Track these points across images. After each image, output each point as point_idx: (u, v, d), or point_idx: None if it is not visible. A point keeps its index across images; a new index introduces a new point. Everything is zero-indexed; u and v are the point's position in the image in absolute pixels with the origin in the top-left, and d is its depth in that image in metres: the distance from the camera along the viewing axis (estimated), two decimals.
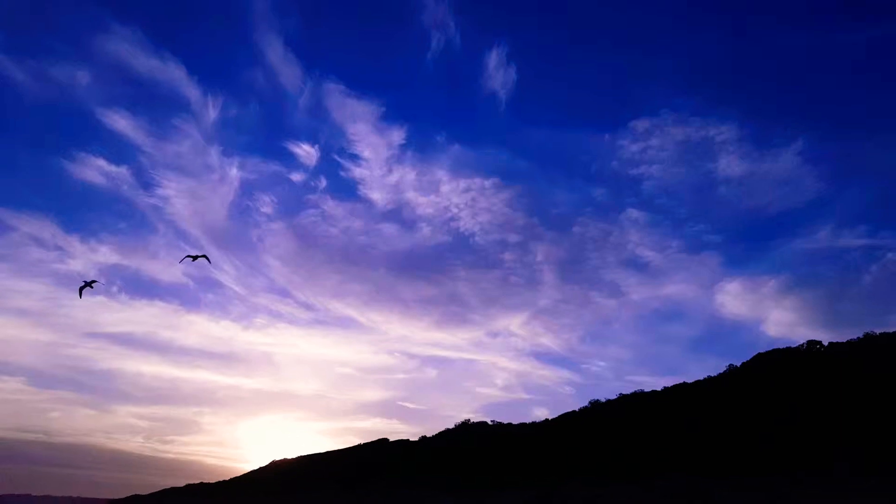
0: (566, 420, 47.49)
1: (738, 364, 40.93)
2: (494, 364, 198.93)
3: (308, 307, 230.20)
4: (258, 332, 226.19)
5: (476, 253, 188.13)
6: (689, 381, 42.51)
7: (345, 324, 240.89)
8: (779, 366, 36.98)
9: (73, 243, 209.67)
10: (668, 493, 26.81)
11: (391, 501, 42.69)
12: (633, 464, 32.61)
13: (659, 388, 43.81)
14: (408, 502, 40.72)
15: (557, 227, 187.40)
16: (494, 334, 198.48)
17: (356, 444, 77.35)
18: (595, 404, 46.63)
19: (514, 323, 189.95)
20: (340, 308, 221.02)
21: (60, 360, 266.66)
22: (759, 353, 40.77)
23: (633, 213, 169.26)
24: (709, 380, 41.15)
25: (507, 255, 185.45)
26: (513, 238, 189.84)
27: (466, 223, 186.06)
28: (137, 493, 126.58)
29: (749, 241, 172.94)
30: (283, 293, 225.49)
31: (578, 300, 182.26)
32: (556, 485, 33.36)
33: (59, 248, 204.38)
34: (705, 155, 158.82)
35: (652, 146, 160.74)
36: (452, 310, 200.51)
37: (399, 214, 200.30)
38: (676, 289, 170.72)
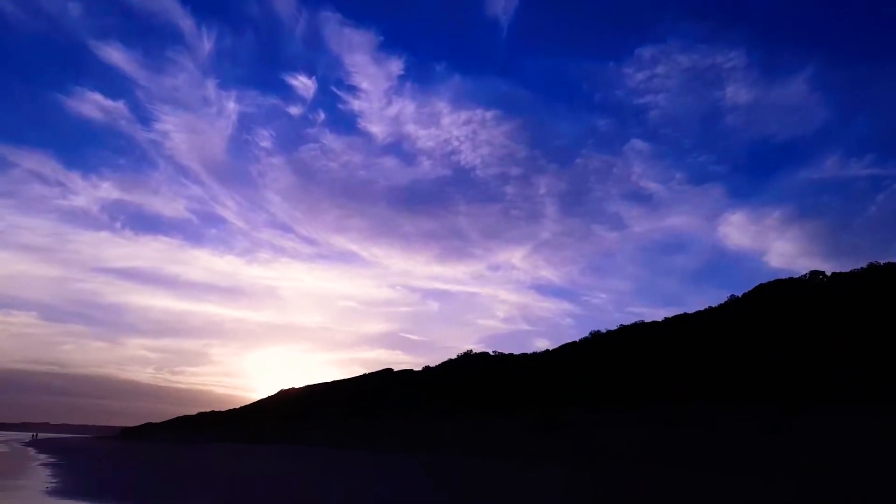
0: (567, 350, 47.99)
1: (739, 295, 40.86)
2: (495, 297, 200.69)
3: (310, 242, 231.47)
4: (262, 266, 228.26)
5: (477, 186, 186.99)
6: (690, 311, 42.62)
7: (347, 258, 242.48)
8: (780, 296, 36.84)
9: (75, 179, 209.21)
10: (667, 418, 27.22)
11: (395, 427, 43.77)
12: (632, 392, 33.01)
13: (660, 319, 44.01)
14: (411, 428, 41.73)
15: (559, 159, 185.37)
16: (495, 268, 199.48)
17: (361, 373, 78.97)
18: (595, 335, 46.95)
19: (516, 256, 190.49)
20: (342, 243, 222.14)
21: (70, 294, 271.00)
22: (761, 284, 40.59)
23: (638, 143, 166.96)
24: (709, 310, 41.18)
25: (509, 189, 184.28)
26: (514, 171, 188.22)
27: (467, 156, 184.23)
28: (151, 421, 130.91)
29: (754, 171, 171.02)
30: (285, 228, 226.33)
31: (580, 233, 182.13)
32: (556, 411, 33.94)
33: (60, 185, 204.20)
34: (712, 83, 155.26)
35: (658, 74, 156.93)
36: (453, 244, 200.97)
37: (399, 148, 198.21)
38: (679, 221, 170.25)
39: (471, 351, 61.57)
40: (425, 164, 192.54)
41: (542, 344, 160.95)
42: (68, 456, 42.68)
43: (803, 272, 39.70)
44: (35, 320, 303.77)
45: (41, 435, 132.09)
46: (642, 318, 46.02)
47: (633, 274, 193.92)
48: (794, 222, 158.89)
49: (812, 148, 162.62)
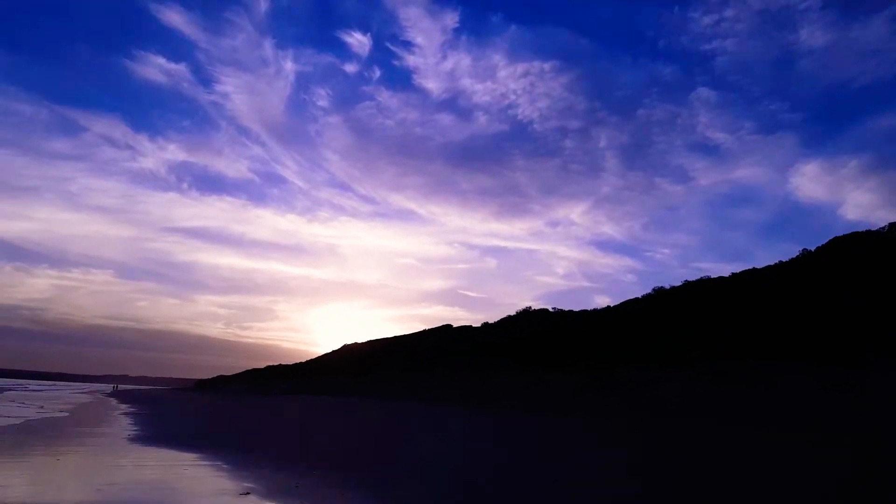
0: (628, 307, 47.27)
1: (813, 249, 39.13)
2: (554, 253, 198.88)
3: (368, 200, 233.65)
4: (322, 225, 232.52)
5: (535, 141, 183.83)
6: (759, 267, 41.14)
7: (404, 216, 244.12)
8: (857, 250, 35.09)
9: (143, 142, 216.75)
10: (730, 376, 26.58)
11: (454, 382, 44.37)
12: (695, 349, 32.31)
13: (726, 275, 42.70)
14: (470, 383, 42.21)
15: (621, 110, 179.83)
16: (554, 224, 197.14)
17: (421, 329, 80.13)
18: (659, 291, 46.01)
19: (575, 212, 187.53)
20: (399, 201, 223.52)
21: (142, 253, 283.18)
22: (836, 238, 38.76)
23: (704, 92, 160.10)
24: (780, 265, 39.66)
25: (568, 143, 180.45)
26: (573, 124, 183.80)
27: (525, 110, 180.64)
28: (222, 374, 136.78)
29: (829, 119, 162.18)
30: (344, 187, 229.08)
31: (642, 186, 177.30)
32: (615, 368, 33.64)
33: (130, 147, 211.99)
34: (785, 26, 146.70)
35: (726, 18, 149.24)
36: (511, 200, 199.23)
37: (455, 103, 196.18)
38: (748, 172, 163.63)
39: (530, 307, 61.49)
40: (482, 119, 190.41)
41: (602, 301, 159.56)
42: (147, 406, 45.11)
43: (882, 224, 37.62)
44: (112, 278, 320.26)
45: (121, 386, 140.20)
46: (708, 274, 44.80)
47: (698, 228, 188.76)
48: (872, 172, 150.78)
49: (892, 93, 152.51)
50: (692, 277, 44.70)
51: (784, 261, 40.05)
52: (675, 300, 41.92)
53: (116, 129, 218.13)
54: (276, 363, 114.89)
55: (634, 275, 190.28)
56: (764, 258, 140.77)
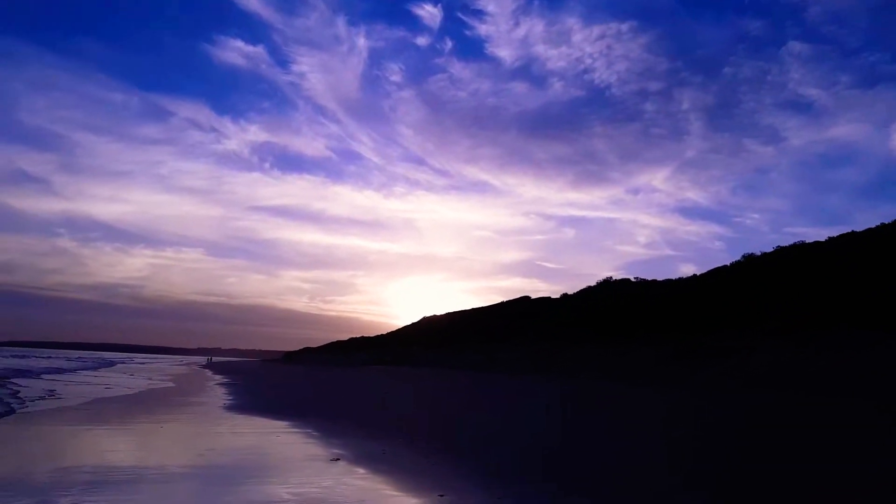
0: (715, 275, 45.47)
1: None
2: (636, 221, 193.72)
3: (442, 173, 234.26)
4: (398, 199, 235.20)
5: (613, 106, 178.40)
6: (859, 230, 38.56)
7: (479, 188, 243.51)
8: None
9: (226, 124, 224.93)
10: (827, 345, 25.22)
11: (534, 354, 44.23)
12: (789, 318, 30.78)
13: (823, 239, 40.29)
14: (550, 355, 41.97)
15: (705, 69, 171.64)
16: (635, 191, 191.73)
17: (499, 301, 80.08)
18: (749, 258, 43.94)
19: (657, 178, 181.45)
20: (474, 173, 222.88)
21: (230, 231, 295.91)
22: None
23: (795, 46, 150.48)
24: (882, 228, 37.03)
25: (648, 106, 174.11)
26: (654, 86, 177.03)
27: (601, 74, 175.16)
28: (308, 346, 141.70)
29: None
30: (418, 161, 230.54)
31: (730, 149, 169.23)
32: (699, 338, 32.55)
33: (214, 130, 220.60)
34: None
35: None
36: (589, 168, 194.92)
37: (528, 71, 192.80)
38: (845, 130, 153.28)
39: (610, 278, 60.22)
40: (556, 86, 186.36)
41: (687, 269, 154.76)
42: (239, 377, 47.36)
43: None
44: (202, 256, 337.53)
45: (215, 358, 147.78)
46: (802, 239, 42.34)
47: (791, 191, 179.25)
48: None
49: None
50: (785, 243, 42.27)
51: (886, 223, 37.36)
52: (767, 267, 39.95)
53: (201, 112, 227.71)
54: (358, 335, 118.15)
55: (722, 242, 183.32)
56: (864, 221, 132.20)
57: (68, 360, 70.55)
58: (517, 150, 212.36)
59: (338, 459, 10.09)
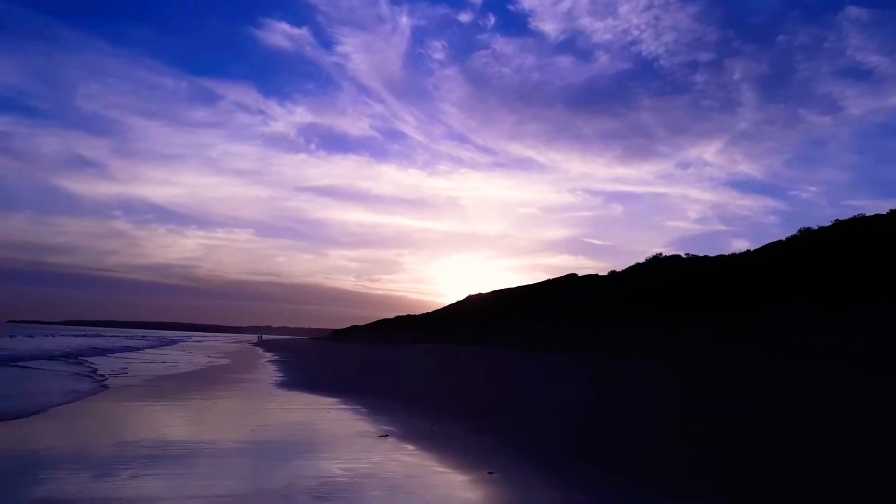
0: (770, 251, 44.13)
1: None
2: (686, 196, 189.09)
3: (486, 151, 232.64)
4: (442, 178, 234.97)
5: (661, 78, 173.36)
6: None
7: (524, 165, 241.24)
8: None
9: (273, 106, 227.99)
10: (888, 322, 24.23)
11: (582, 332, 43.86)
12: (847, 294, 29.67)
13: (884, 212, 38.58)
14: (598, 333, 41.55)
15: (758, 38, 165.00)
16: (685, 165, 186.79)
17: (545, 279, 79.53)
18: (805, 232, 42.48)
19: (708, 151, 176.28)
20: (518, 149, 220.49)
21: (278, 212, 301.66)
22: None
23: (854, 11, 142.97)
24: None
25: (698, 77, 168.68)
26: (704, 57, 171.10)
27: (649, 46, 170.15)
28: (355, 324, 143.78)
29: None
30: (462, 139, 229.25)
31: (784, 119, 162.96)
32: (753, 315, 31.69)
33: (261, 112, 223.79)
34: None
35: None
36: (637, 142, 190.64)
37: (573, 45, 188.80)
38: None
39: (660, 254, 59.11)
40: (602, 59, 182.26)
41: (740, 245, 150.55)
42: (289, 354, 48.40)
43: None
44: (252, 236, 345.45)
45: (265, 336, 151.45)
46: (862, 212, 40.62)
47: (850, 163, 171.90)
48: None
49: None
50: (844, 216, 40.59)
51: None
52: (825, 241, 38.53)
53: (248, 95, 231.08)
54: (404, 314, 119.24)
55: (777, 216, 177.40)
56: None
57: (136, 339, 73.67)
58: (562, 125, 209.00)
59: (386, 436, 10.19)
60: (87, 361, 27.94)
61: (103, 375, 20.85)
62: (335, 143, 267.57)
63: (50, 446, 8.69)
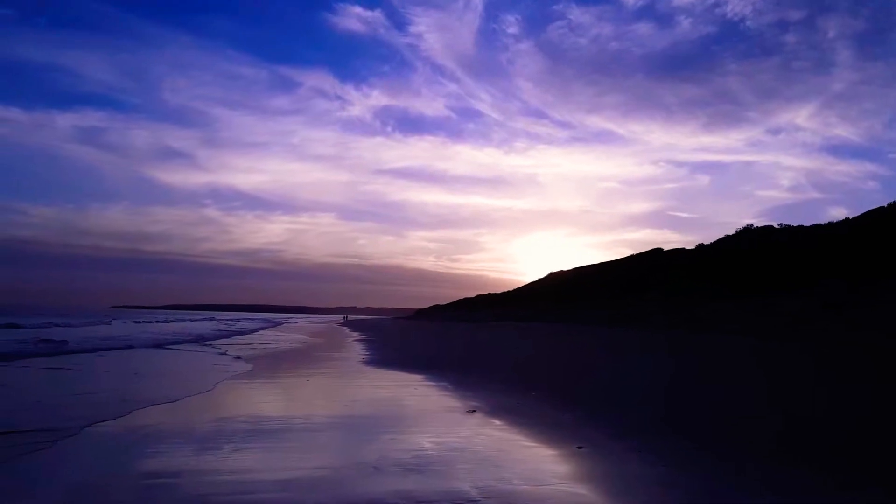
0: (870, 218, 41.36)
1: None
2: (777, 164, 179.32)
3: (564, 125, 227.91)
4: (519, 155, 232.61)
5: (748, 40, 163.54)
6: None
7: (604, 138, 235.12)
8: None
9: (349, 91, 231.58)
10: None
11: (668, 308, 42.66)
12: None
13: None
14: (685, 308, 40.29)
15: None
16: (776, 131, 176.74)
17: (628, 254, 77.76)
18: None
19: (801, 115, 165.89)
20: (597, 122, 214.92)
21: (359, 195, 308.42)
22: None
23: None
24: None
25: (789, 38, 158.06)
26: (794, 15, 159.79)
27: (734, 6, 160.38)
28: (437, 303, 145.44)
29: None
30: (539, 114, 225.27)
31: (884, 78, 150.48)
32: (853, 287, 29.82)
33: (339, 98, 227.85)
34: None
35: None
36: (723, 109, 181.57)
37: (652, 10, 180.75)
38: None
39: (751, 225, 56.52)
40: (684, 23, 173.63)
41: (837, 213, 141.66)
42: (374, 333, 49.53)
43: None
44: (335, 220, 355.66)
45: (350, 317, 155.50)
46: None
47: None
48: None
49: None
50: None
51: None
52: None
53: (325, 81, 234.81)
54: (485, 292, 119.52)
55: (876, 181, 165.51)
56: None
57: (244, 321, 78.60)
58: (643, 95, 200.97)
59: (474, 411, 10.28)
60: (211, 345, 29.59)
61: (238, 357, 22.16)
62: (411, 125, 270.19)
63: (168, 424, 9.27)
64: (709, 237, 63.57)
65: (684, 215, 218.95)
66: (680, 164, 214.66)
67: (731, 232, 57.94)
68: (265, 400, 11.88)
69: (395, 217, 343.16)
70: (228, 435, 8.16)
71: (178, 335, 35.84)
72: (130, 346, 25.98)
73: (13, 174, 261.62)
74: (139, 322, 59.99)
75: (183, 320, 75.45)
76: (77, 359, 19.59)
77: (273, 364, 20.04)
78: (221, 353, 23.70)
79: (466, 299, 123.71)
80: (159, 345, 27.80)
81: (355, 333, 49.42)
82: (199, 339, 33.18)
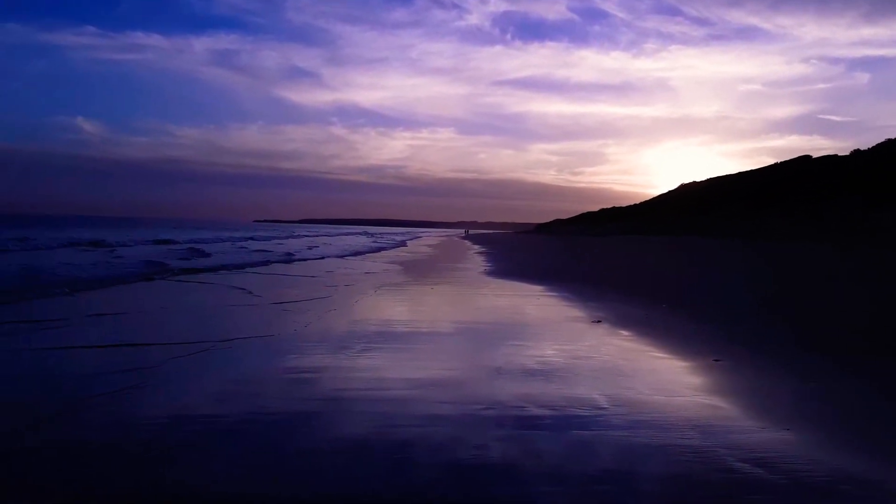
0: None
1: None
2: None
3: (701, 22, 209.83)
4: (649, 58, 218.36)
5: None
6: None
7: (746, 34, 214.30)
8: None
9: None
10: None
11: (812, 219, 39.34)
12: None
13: None
14: (837, 218, 36.96)
15: None
16: None
17: (771, 163, 72.16)
18: None
19: None
20: (740, 17, 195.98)
21: (477, 108, 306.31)
22: None
23: None
24: None
25: None
26: None
27: None
28: (558, 218, 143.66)
29: None
30: (672, 11, 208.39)
31: None
32: None
33: (456, 6, 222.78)
34: None
35: None
36: None
37: None
38: None
39: None
40: None
41: None
42: (495, 246, 49.83)
43: None
44: (454, 135, 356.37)
45: (471, 231, 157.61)
46: None
47: None
48: None
49: None
50: None
51: None
52: None
53: None
54: (609, 206, 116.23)
55: None
56: None
57: (388, 235, 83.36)
58: None
59: (599, 321, 10.03)
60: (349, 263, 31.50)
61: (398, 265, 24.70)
62: (531, 31, 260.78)
63: (307, 324, 9.83)
64: (866, 142, 57.28)
65: (838, 119, 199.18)
66: (835, 61, 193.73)
67: (894, 136, 51.81)
68: (394, 307, 12.26)
69: (515, 130, 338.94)
70: (359, 337, 8.49)
71: (348, 248, 39.78)
72: (323, 257, 29.96)
73: (160, 97, 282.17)
74: (310, 236, 67.50)
75: (342, 235, 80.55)
76: (295, 267, 22.81)
77: (413, 270, 20.77)
78: (389, 263, 26.91)
79: (589, 213, 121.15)
80: (341, 256, 31.80)
81: (476, 246, 49.92)
82: (363, 252, 36.30)
